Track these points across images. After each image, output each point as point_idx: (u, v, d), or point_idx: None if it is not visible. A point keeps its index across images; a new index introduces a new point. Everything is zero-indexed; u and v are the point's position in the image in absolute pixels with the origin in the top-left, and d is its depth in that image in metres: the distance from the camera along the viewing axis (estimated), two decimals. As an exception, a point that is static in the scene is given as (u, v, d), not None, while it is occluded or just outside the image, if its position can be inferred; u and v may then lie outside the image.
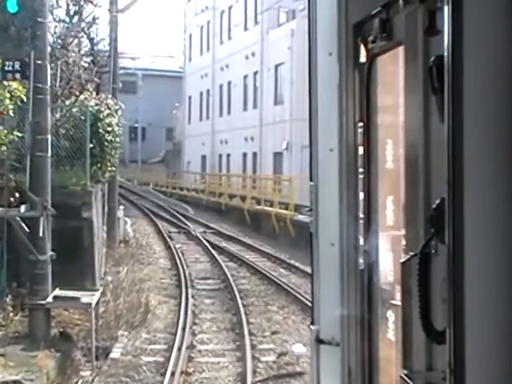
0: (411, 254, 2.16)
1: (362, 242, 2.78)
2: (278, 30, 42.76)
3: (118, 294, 16.15)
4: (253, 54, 47.35)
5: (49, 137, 12.67)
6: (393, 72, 2.55)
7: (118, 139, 21.76)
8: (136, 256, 23.56)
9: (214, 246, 26.02)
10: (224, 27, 54.79)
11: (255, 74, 47.33)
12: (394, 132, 2.57)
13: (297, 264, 21.86)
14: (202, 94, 60.68)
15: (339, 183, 2.84)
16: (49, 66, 12.92)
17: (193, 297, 17.81)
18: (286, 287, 18.38)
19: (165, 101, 74.26)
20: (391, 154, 2.66)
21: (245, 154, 48.79)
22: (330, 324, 2.90)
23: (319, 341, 2.94)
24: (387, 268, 2.68)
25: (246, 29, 49.62)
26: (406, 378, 2.13)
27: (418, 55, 2.13)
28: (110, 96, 21.05)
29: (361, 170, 2.75)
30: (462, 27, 1.76)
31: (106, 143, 16.89)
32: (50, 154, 12.68)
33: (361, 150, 2.76)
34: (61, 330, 12.99)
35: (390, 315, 2.64)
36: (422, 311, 2.01)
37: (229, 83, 53.33)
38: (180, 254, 24.31)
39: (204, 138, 57.62)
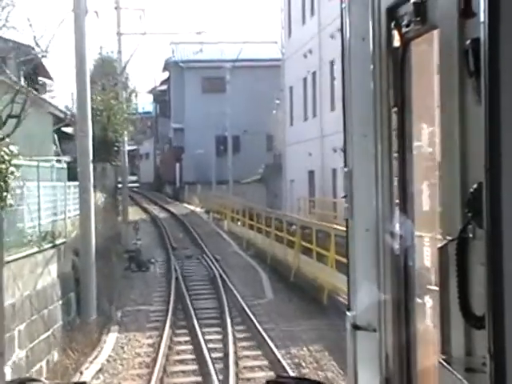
0: (448, 238, 2.16)
1: (397, 227, 2.83)
2: None
3: None
4: None
5: None
6: (427, 56, 2.63)
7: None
8: None
9: None
10: (333, -28, 35.46)
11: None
12: (429, 116, 2.65)
13: None
14: (305, 80, 41.56)
15: (374, 169, 2.93)
16: None
17: None
18: None
19: (263, 99, 55.27)
20: (426, 139, 2.74)
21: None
22: (367, 310, 2.95)
23: (355, 327, 2.96)
24: (423, 253, 2.74)
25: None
26: (444, 363, 2.15)
27: (454, 38, 2.13)
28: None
29: (395, 155, 2.83)
30: (498, 8, 1.74)
31: None
32: None
33: (395, 135, 2.83)
34: None
35: (427, 300, 2.70)
36: (460, 296, 2.00)
37: (343, 56, 33.86)
38: None
39: (311, 144, 38.58)
